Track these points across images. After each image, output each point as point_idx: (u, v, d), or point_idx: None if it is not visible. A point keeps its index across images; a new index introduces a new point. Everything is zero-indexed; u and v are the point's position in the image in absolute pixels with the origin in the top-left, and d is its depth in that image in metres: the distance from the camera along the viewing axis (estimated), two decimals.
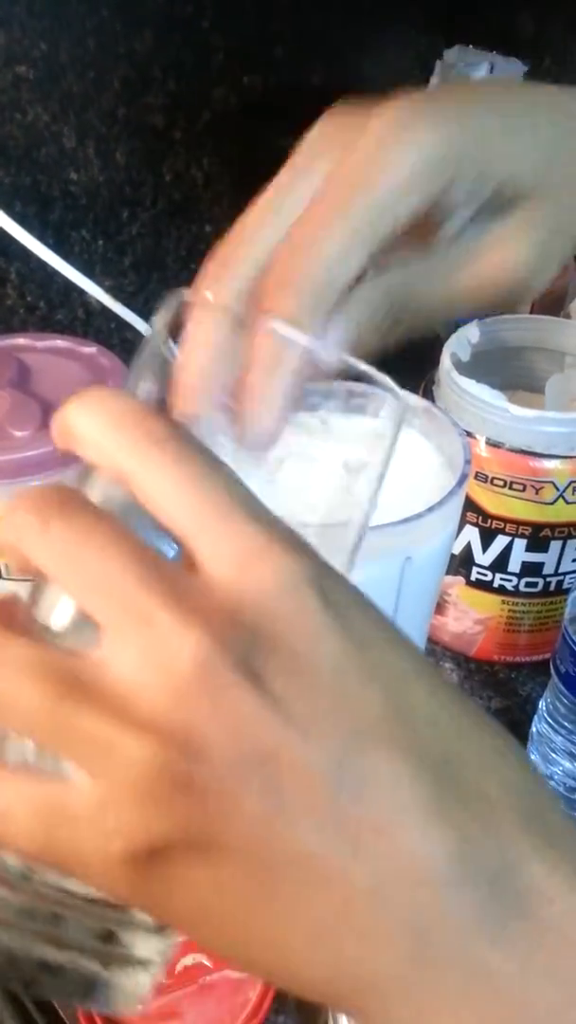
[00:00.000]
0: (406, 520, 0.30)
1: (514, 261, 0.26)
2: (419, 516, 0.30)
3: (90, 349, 0.48)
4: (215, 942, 0.18)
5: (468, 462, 0.32)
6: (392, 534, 0.30)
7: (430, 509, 0.30)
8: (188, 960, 0.39)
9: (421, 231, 0.26)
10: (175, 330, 0.22)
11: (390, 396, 0.23)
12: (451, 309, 0.27)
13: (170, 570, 0.17)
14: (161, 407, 0.22)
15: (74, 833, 0.17)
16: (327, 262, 0.23)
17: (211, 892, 0.17)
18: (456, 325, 0.58)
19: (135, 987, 0.20)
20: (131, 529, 0.18)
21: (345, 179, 0.23)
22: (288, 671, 0.16)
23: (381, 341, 0.26)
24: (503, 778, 0.18)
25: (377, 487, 0.24)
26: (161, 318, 0.22)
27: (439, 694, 0.18)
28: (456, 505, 0.32)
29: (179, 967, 0.39)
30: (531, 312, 0.79)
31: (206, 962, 0.39)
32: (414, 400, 0.36)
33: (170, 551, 0.18)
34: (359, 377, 0.23)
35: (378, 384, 0.23)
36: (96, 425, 0.18)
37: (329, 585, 0.17)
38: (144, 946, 0.20)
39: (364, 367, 0.23)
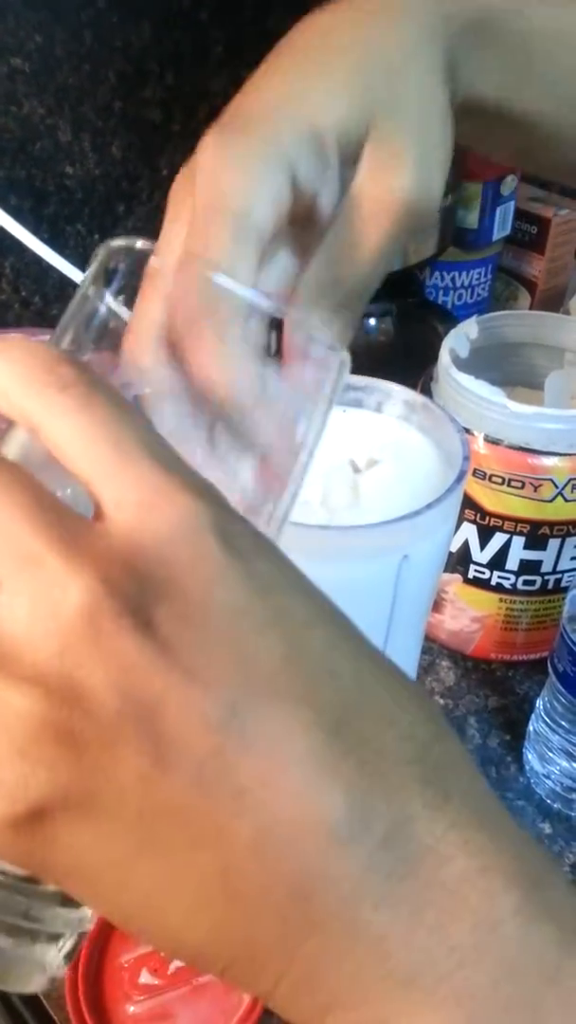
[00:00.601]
0: (403, 518, 0.30)
1: (397, 191, 0.27)
2: (416, 514, 0.30)
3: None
4: (97, 902, 0.17)
5: (467, 459, 0.32)
6: (389, 532, 0.30)
7: (428, 507, 0.30)
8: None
9: (311, 216, 0.27)
10: (106, 280, 0.22)
11: (328, 351, 0.23)
12: (380, 259, 0.27)
13: (68, 517, 0.17)
14: (83, 357, 0.21)
15: None
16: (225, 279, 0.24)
17: (93, 851, 0.16)
18: (455, 321, 0.58)
19: (45, 961, 0.19)
20: (43, 479, 0.17)
21: (200, 220, 0.25)
22: (181, 617, 0.16)
23: (353, 328, 0.28)
24: (403, 731, 0.17)
25: (318, 432, 0.23)
26: (92, 268, 0.22)
27: (342, 643, 0.17)
28: (454, 502, 0.31)
29: (172, 968, 0.39)
30: (530, 308, 0.78)
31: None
32: (411, 396, 0.36)
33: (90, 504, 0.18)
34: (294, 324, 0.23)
35: (315, 337, 0.23)
36: (5, 375, 0.18)
37: (233, 531, 0.17)
38: (54, 919, 0.19)
39: (299, 316, 0.23)
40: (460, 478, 0.31)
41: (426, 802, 0.16)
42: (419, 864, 0.16)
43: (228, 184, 0.25)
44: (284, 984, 0.17)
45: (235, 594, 0.16)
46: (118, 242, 0.22)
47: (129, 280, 0.22)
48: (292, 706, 0.16)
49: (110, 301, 0.22)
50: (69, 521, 0.17)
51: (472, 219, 0.70)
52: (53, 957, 0.20)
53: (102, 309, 0.22)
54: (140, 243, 0.22)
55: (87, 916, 0.20)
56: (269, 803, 0.16)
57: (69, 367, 0.18)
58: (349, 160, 0.27)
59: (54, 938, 0.20)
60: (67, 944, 0.20)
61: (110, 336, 0.22)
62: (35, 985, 0.20)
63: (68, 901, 0.19)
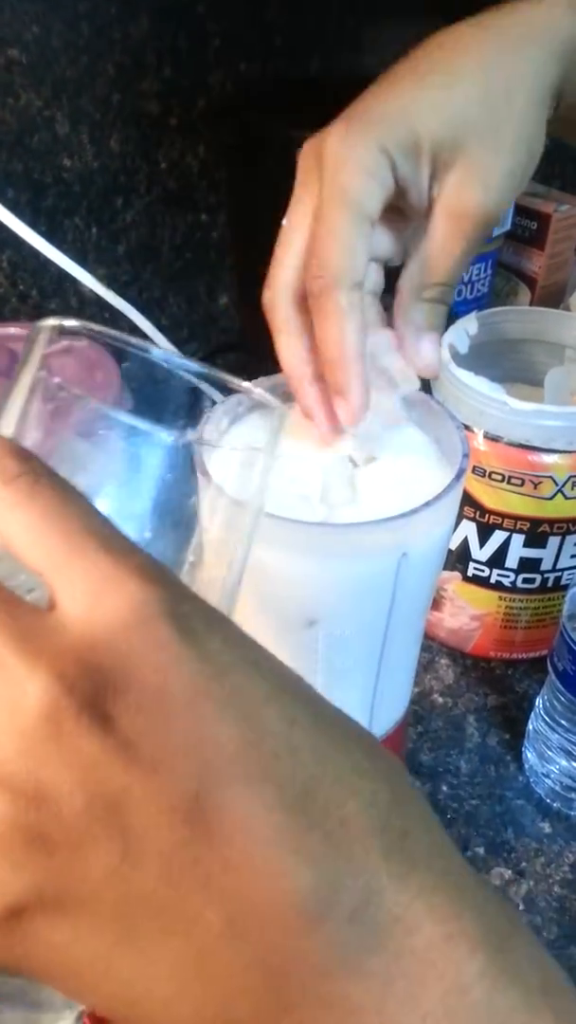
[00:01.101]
0: (402, 515, 0.29)
1: (473, 205, 0.33)
2: (415, 511, 0.29)
3: (81, 342, 0.47)
4: (80, 993, 0.18)
5: (466, 456, 0.32)
6: (387, 530, 0.29)
7: (426, 504, 0.29)
8: None
9: (403, 210, 0.34)
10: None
11: (268, 406, 0.25)
12: (462, 259, 0.34)
13: (23, 611, 0.17)
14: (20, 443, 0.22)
15: None
16: (341, 258, 0.31)
17: (70, 946, 0.16)
18: (455, 317, 0.57)
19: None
20: (9, 572, 0.17)
21: (328, 201, 0.32)
22: (137, 709, 0.16)
23: (447, 314, 0.36)
24: (365, 800, 0.17)
25: (261, 483, 0.24)
26: (32, 351, 0.22)
27: (300, 716, 0.17)
28: (453, 500, 0.31)
29: None
30: (530, 304, 0.78)
31: None
32: (412, 392, 0.35)
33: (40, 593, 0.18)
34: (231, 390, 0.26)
35: (254, 395, 0.26)
36: None
37: (186, 612, 0.17)
38: (54, 998, 0.20)
39: (235, 382, 0.25)
40: (459, 475, 0.31)
41: (391, 872, 0.17)
42: (388, 935, 0.16)
43: (349, 176, 0.31)
44: None
45: (190, 679, 0.16)
46: (50, 322, 0.23)
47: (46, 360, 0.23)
48: (254, 787, 0.16)
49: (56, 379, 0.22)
50: (23, 615, 0.17)
51: None
52: (67, 1019, 0.20)
53: (49, 382, 0.22)
54: (68, 323, 0.23)
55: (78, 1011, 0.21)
56: (237, 888, 0.16)
57: (13, 459, 0.18)
58: (437, 172, 0.33)
59: (63, 1007, 0.20)
60: (72, 1015, 0.20)
61: (57, 402, 0.22)
62: None
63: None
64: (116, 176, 0.66)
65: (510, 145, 0.33)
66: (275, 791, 0.16)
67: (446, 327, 0.42)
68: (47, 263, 0.56)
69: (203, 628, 0.17)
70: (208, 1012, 0.17)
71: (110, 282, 0.68)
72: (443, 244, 0.33)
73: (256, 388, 0.26)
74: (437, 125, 0.32)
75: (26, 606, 0.17)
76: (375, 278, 0.36)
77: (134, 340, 0.24)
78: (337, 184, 0.31)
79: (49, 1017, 0.20)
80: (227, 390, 0.27)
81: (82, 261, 0.62)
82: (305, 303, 0.32)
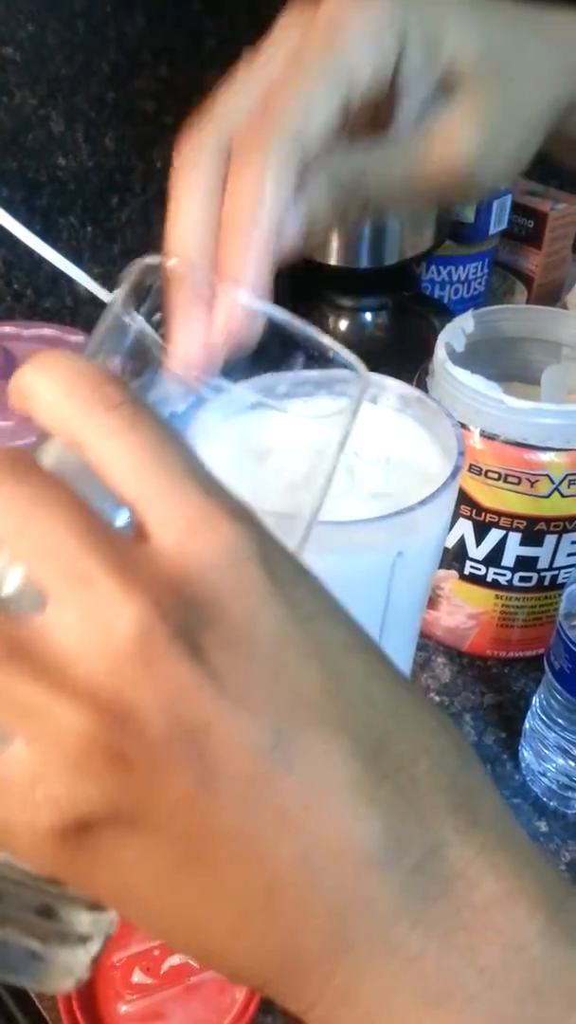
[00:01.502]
0: (397, 513, 0.29)
1: (460, 145, 0.27)
2: (410, 509, 0.29)
3: (77, 338, 0.47)
4: (140, 917, 0.18)
5: (462, 454, 0.32)
6: (382, 528, 0.29)
7: (421, 503, 0.29)
8: (174, 960, 0.39)
9: (381, 118, 0.28)
10: (138, 299, 0.22)
11: (351, 371, 0.23)
12: (406, 194, 0.28)
13: (116, 537, 0.17)
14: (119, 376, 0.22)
15: (5, 803, 0.17)
16: (294, 115, 0.25)
17: (137, 867, 0.17)
18: (451, 315, 0.57)
19: (72, 963, 0.20)
20: (83, 496, 0.17)
21: (307, 48, 0.25)
22: (227, 644, 0.16)
23: (334, 221, 0.28)
24: (435, 760, 0.18)
25: (334, 463, 0.24)
26: (123, 287, 0.22)
27: (378, 673, 0.18)
28: (448, 498, 0.31)
29: (165, 967, 0.38)
30: (527, 303, 0.78)
31: (192, 962, 0.38)
32: (406, 389, 0.35)
33: (123, 520, 0.18)
34: (323, 353, 0.23)
35: (339, 359, 0.23)
36: (51, 389, 0.18)
37: (275, 559, 0.17)
38: (83, 921, 0.20)
39: (327, 341, 0.23)
40: (455, 473, 0.31)
41: (456, 828, 0.17)
42: (451, 887, 0.17)
43: (351, 34, 0.25)
44: (324, 999, 0.17)
45: (277, 622, 0.17)
46: (150, 260, 0.22)
47: (160, 300, 0.22)
48: (333, 734, 0.17)
49: (142, 322, 0.22)
50: (118, 542, 0.17)
51: (468, 213, 0.70)
52: (81, 959, 0.20)
53: (134, 328, 0.22)
54: (172, 261, 0.22)
55: (114, 919, 0.20)
56: (310, 826, 0.16)
57: (115, 387, 0.18)
58: (446, 89, 0.27)
59: (82, 940, 0.20)
60: (94, 947, 0.20)
61: (142, 356, 0.22)
62: (63, 986, 0.20)
63: (95, 905, 0.20)
64: (111, 175, 0.66)
65: (521, 112, 0.28)
66: (351, 740, 0.17)
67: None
68: (42, 262, 0.55)
69: (290, 576, 0.17)
70: (270, 944, 0.17)
71: (106, 281, 0.68)
72: (409, 164, 0.27)
73: (339, 348, 0.23)
74: (463, 39, 0.27)
75: (120, 533, 0.17)
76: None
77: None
78: (331, 35, 0.25)
79: (68, 951, 0.20)
80: (306, 347, 0.23)
81: (77, 260, 0.62)
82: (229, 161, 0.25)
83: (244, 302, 0.23)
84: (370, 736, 0.17)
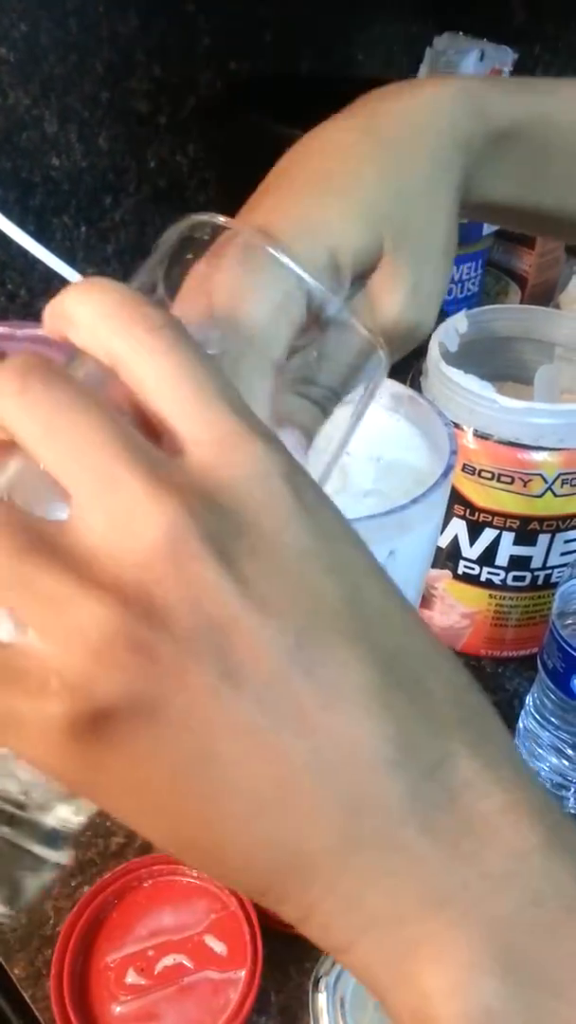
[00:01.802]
0: (388, 512, 0.29)
1: (391, 311, 0.29)
2: (402, 508, 0.29)
3: None
4: (147, 819, 0.18)
5: (454, 452, 0.32)
6: (374, 527, 0.29)
7: (414, 501, 0.29)
8: (168, 961, 0.39)
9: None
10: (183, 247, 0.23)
11: (366, 343, 0.24)
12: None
13: (148, 446, 0.17)
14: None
15: (14, 694, 0.17)
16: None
17: (152, 760, 0.17)
18: (445, 315, 0.57)
19: (37, 866, 0.20)
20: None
21: (223, 337, 0.25)
22: (254, 552, 0.17)
23: (321, 419, 0.28)
24: (445, 676, 0.18)
25: (354, 422, 0.25)
26: (174, 231, 0.23)
27: (392, 593, 0.19)
28: (440, 497, 0.31)
29: (158, 968, 0.38)
30: (521, 302, 0.78)
31: (186, 963, 0.38)
32: (398, 388, 0.35)
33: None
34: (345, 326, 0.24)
35: (356, 330, 0.24)
36: (93, 309, 0.19)
37: (300, 481, 0.18)
38: (54, 815, 0.20)
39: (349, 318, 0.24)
40: (447, 472, 0.31)
41: (465, 740, 0.18)
42: (459, 795, 0.17)
43: (250, 315, 0.25)
44: (327, 902, 0.17)
45: (304, 537, 0.17)
46: (201, 216, 0.24)
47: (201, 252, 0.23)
48: (352, 642, 0.17)
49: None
50: (151, 451, 0.17)
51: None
52: (45, 860, 0.20)
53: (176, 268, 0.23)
54: (222, 219, 0.23)
55: (83, 809, 0.20)
56: (327, 725, 0.17)
57: (156, 310, 0.18)
58: (361, 279, 0.29)
59: (46, 840, 0.20)
60: (59, 851, 0.20)
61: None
62: (27, 892, 0.20)
63: (68, 797, 0.20)
64: (105, 175, 0.66)
65: (427, 249, 0.29)
66: (369, 649, 0.17)
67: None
68: (36, 262, 0.55)
69: (315, 499, 0.18)
70: (279, 840, 0.17)
71: None
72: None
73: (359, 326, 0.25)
74: (352, 232, 0.28)
75: (151, 444, 0.18)
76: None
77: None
78: (240, 315, 0.25)
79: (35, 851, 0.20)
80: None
81: (71, 259, 0.62)
82: None
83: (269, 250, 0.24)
84: (386, 648, 0.18)
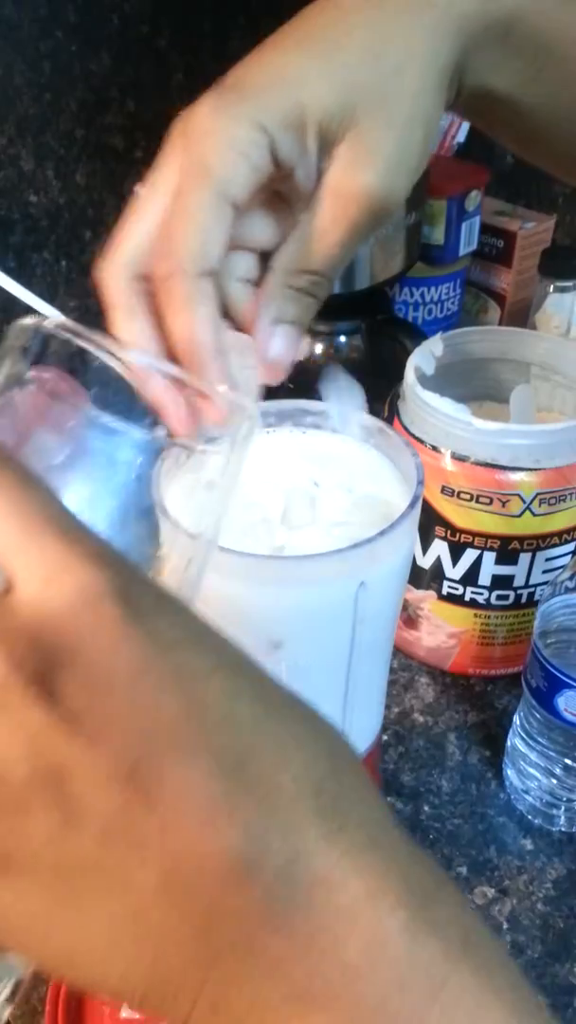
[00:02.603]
0: (356, 545, 0.29)
1: (361, 186, 0.29)
2: (370, 540, 0.30)
3: (48, 373, 0.47)
4: (23, 951, 0.19)
5: (421, 483, 0.32)
6: (343, 560, 0.30)
7: (381, 533, 0.30)
8: None
9: (291, 194, 0.30)
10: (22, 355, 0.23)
11: (235, 409, 0.25)
12: (344, 248, 0.30)
13: None
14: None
15: None
16: (191, 241, 0.28)
17: (12, 906, 0.18)
18: (424, 336, 0.58)
19: None
20: None
21: (185, 173, 0.28)
22: (82, 685, 0.17)
23: (315, 309, 0.31)
24: (299, 767, 0.18)
25: (223, 502, 0.25)
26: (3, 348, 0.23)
27: (243, 690, 0.18)
28: (408, 528, 0.31)
29: None
30: (500, 320, 0.79)
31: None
32: (368, 420, 0.36)
33: None
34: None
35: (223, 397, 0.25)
36: None
37: (135, 592, 0.18)
38: None
39: (209, 387, 0.24)
40: (413, 503, 0.31)
41: (320, 834, 0.17)
42: (312, 892, 0.17)
43: (214, 152, 0.28)
44: (196, 1011, 0.18)
45: (134, 656, 0.17)
46: (27, 321, 0.23)
47: (41, 358, 0.23)
48: (191, 756, 0.17)
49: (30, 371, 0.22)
50: None
51: (438, 235, 0.70)
52: None
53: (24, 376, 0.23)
54: (47, 321, 0.23)
55: (23, 960, 0.21)
56: (171, 849, 0.17)
57: None
58: (327, 146, 0.29)
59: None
60: (6, 988, 0.21)
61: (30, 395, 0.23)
62: None
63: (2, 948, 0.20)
64: (84, 210, 0.67)
65: (404, 119, 0.29)
66: (211, 760, 0.17)
67: (333, 328, 0.37)
68: (16, 297, 0.56)
69: (151, 607, 0.18)
70: (140, 966, 0.17)
71: (82, 313, 0.69)
72: (325, 228, 0.29)
73: (227, 392, 0.25)
74: (325, 93, 0.28)
75: None
76: (247, 266, 0.31)
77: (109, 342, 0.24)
78: (199, 160, 0.28)
79: None
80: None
81: (52, 294, 0.63)
82: (148, 284, 0.29)
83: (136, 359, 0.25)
84: (230, 753, 0.17)
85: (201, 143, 0.28)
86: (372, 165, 0.29)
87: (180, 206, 0.28)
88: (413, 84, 0.29)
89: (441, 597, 0.54)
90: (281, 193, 0.30)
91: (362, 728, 0.40)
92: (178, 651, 0.18)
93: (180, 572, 0.24)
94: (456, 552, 0.51)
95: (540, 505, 0.48)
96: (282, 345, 0.30)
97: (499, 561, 0.51)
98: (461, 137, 0.75)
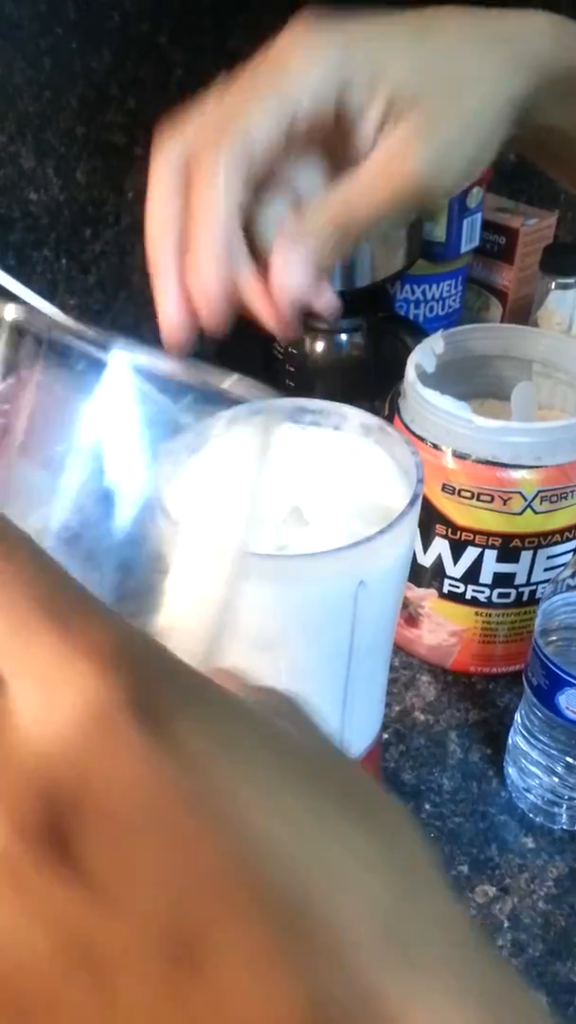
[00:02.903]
0: (355, 544, 0.29)
1: (411, 163, 0.30)
2: (369, 539, 0.29)
3: (31, 370, 0.47)
4: None
5: (420, 481, 0.32)
6: (342, 558, 0.29)
7: (381, 532, 0.30)
8: None
9: (344, 152, 0.31)
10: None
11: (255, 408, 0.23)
12: (378, 216, 0.31)
13: None
14: None
15: None
16: (239, 128, 0.29)
17: None
18: (425, 334, 0.58)
19: None
20: None
21: (254, 76, 0.30)
22: (98, 835, 0.14)
23: (335, 260, 0.32)
24: (364, 901, 0.16)
25: (250, 504, 0.23)
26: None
27: (284, 806, 0.16)
28: (408, 526, 0.31)
29: None
30: (502, 317, 0.79)
31: None
32: (368, 419, 0.35)
33: None
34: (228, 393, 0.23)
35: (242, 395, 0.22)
36: None
37: (152, 692, 0.15)
38: None
39: (226, 387, 0.22)
40: (413, 502, 0.31)
41: (389, 966, 0.15)
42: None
43: (293, 61, 0.29)
44: None
45: (155, 785, 0.15)
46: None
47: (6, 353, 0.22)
48: (238, 912, 0.15)
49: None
50: None
51: (440, 232, 0.70)
52: None
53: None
54: (6, 311, 0.21)
55: None
56: (229, 1020, 0.14)
57: None
58: (389, 119, 0.31)
59: None
60: None
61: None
62: None
63: None
64: (84, 207, 0.66)
65: (466, 119, 0.31)
66: (259, 908, 0.15)
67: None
68: (14, 295, 0.56)
69: (168, 709, 0.15)
70: None
71: (82, 311, 0.69)
72: (374, 183, 0.30)
73: (237, 387, 0.22)
74: (401, 67, 0.30)
75: None
76: (281, 209, 0.32)
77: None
78: (276, 70, 0.29)
79: None
80: (208, 394, 0.23)
81: (52, 292, 0.63)
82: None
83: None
84: (281, 897, 0.15)
85: (287, 52, 0.29)
86: (427, 147, 0.30)
87: (243, 97, 0.29)
88: (481, 97, 0.31)
89: (442, 595, 0.53)
90: (334, 154, 0.31)
91: (362, 727, 0.40)
92: (209, 769, 0.15)
93: (205, 606, 0.21)
94: (457, 550, 0.51)
95: (541, 503, 0.48)
96: (298, 274, 0.31)
97: (500, 559, 0.51)
98: None
